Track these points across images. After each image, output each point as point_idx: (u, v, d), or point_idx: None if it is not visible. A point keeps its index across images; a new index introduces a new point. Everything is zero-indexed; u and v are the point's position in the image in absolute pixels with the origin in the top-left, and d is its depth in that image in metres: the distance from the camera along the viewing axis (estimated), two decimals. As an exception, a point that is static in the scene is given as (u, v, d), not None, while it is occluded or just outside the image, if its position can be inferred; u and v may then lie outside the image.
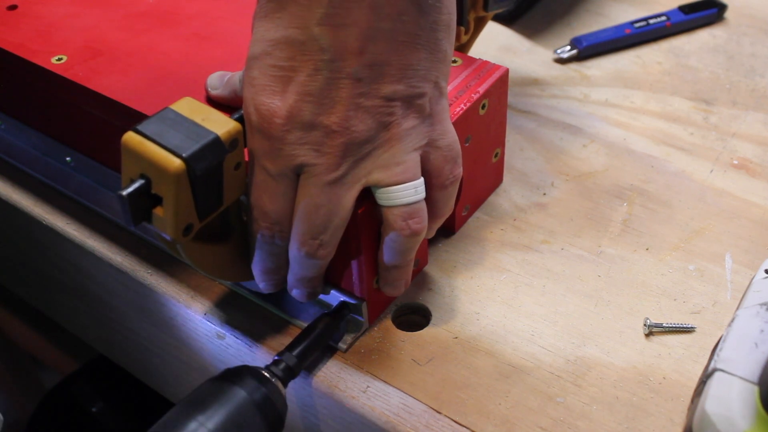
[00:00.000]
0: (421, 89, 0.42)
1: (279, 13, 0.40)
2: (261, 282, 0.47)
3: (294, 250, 0.44)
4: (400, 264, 0.46)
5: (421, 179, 0.44)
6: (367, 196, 0.44)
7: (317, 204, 0.42)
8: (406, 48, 0.40)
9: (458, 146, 0.45)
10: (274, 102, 0.40)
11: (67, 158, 0.60)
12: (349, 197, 0.42)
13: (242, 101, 0.43)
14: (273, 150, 0.41)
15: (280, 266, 0.46)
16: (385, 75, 0.40)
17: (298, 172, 0.42)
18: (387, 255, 0.46)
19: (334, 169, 0.41)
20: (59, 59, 0.55)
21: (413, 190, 0.43)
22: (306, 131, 0.41)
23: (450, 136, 0.45)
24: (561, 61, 0.72)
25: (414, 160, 0.43)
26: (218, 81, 0.49)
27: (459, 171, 0.45)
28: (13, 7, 0.61)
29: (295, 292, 0.47)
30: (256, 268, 0.46)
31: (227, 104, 0.49)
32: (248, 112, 0.42)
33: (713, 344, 0.48)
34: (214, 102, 0.50)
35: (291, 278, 0.47)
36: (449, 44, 0.43)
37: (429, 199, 0.45)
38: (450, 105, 0.50)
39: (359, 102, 0.40)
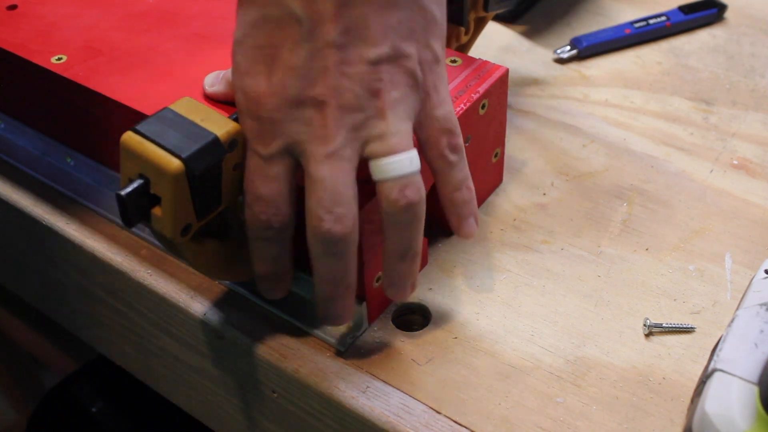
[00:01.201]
0: (405, 50, 0.41)
1: None
2: (261, 283, 0.46)
3: (311, 237, 0.42)
4: (404, 252, 0.44)
5: (415, 150, 0.42)
6: (366, 194, 0.44)
7: (319, 178, 0.41)
8: (385, 8, 0.40)
9: (455, 118, 0.44)
10: (259, 83, 0.40)
11: (68, 158, 0.60)
12: (349, 169, 0.41)
13: None
14: (263, 132, 0.40)
15: (279, 261, 0.45)
16: (367, 38, 0.40)
17: (292, 153, 0.41)
18: (388, 239, 0.44)
19: (329, 142, 0.40)
20: (59, 59, 0.55)
21: (408, 162, 0.41)
22: (295, 107, 0.40)
23: (446, 107, 0.43)
24: (561, 61, 0.72)
25: (408, 130, 0.42)
26: (214, 78, 0.49)
27: (458, 141, 0.44)
28: (13, 7, 0.61)
29: (324, 302, 0.44)
30: (255, 266, 0.45)
31: (224, 101, 0.49)
32: (237, 98, 0.41)
33: (713, 344, 0.47)
34: (213, 102, 0.50)
35: (318, 281, 0.44)
36: (436, 4, 0.41)
37: (435, 172, 0.44)
38: (450, 105, 0.50)
39: (343, 69, 0.40)
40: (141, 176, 0.39)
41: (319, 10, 0.39)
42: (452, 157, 0.44)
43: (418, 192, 0.42)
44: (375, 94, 0.40)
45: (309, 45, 0.39)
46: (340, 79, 0.40)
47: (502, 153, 0.57)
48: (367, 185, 0.44)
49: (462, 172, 0.45)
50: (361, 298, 0.48)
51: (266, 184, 0.42)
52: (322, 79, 0.40)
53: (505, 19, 0.76)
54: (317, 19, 0.39)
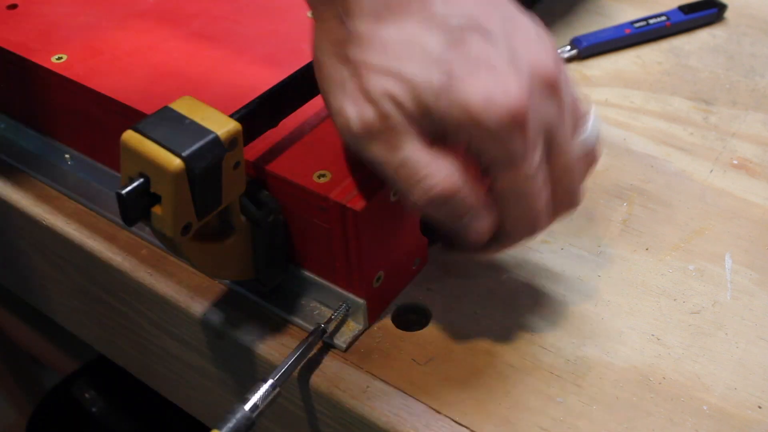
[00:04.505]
0: None
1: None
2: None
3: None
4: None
5: None
6: (368, 192, 0.44)
7: (574, 160, 0.42)
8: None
9: None
10: (505, 91, 0.38)
11: (66, 155, 0.60)
12: None
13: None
14: (528, 145, 0.39)
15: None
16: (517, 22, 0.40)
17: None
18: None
19: (565, 119, 0.41)
20: (59, 58, 0.55)
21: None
22: (539, 97, 0.39)
23: None
24: (561, 61, 0.71)
25: None
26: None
27: None
28: (13, 6, 0.61)
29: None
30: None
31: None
32: (485, 126, 0.38)
33: (713, 344, 0.48)
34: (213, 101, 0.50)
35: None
36: None
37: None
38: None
39: (531, 46, 0.40)
40: (141, 175, 0.39)
41: (475, 8, 0.38)
42: None
43: None
44: (556, 57, 0.40)
45: (500, 37, 0.38)
46: (540, 48, 0.39)
47: (502, 153, 0.57)
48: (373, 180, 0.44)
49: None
50: (361, 298, 0.48)
51: (544, 195, 0.41)
52: (530, 56, 0.39)
53: (505, 19, 0.76)
54: (482, 16, 0.38)
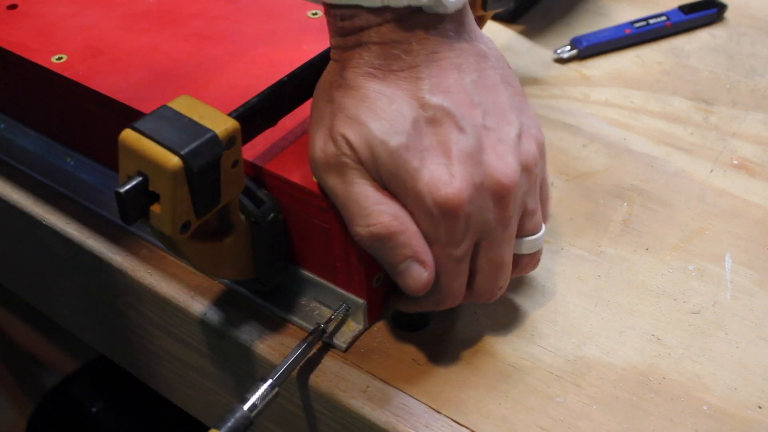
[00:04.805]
0: (524, 121, 0.44)
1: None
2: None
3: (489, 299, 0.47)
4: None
5: None
6: None
7: (505, 261, 0.44)
8: (498, 89, 0.43)
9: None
10: (448, 183, 0.41)
11: (68, 158, 0.60)
12: None
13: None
14: (457, 232, 0.42)
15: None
16: (503, 117, 0.43)
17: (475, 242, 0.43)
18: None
19: (509, 223, 0.43)
20: (59, 58, 0.55)
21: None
22: (478, 195, 0.41)
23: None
24: (561, 61, 0.72)
25: None
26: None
27: None
28: (13, 6, 0.61)
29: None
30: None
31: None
32: (419, 205, 0.41)
33: (713, 344, 0.47)
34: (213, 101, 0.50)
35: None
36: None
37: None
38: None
39: (499, 149, 0.42)
40: (139, 173, 0.39)
41: (459, 100, 0.41)
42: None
43: None
44: (527, 168, 0.43)
45: (471, 132, 0.41)
46: (505, 158, 0.42)
47: (502, 153, 0.57)
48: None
49: None
50: (361, 298, 0.48)
51: (460, 280, 0.44)
52: (491, 162, 0.41)
53: (505, 19, 0.76)
54: (462, 108, 0.41)
